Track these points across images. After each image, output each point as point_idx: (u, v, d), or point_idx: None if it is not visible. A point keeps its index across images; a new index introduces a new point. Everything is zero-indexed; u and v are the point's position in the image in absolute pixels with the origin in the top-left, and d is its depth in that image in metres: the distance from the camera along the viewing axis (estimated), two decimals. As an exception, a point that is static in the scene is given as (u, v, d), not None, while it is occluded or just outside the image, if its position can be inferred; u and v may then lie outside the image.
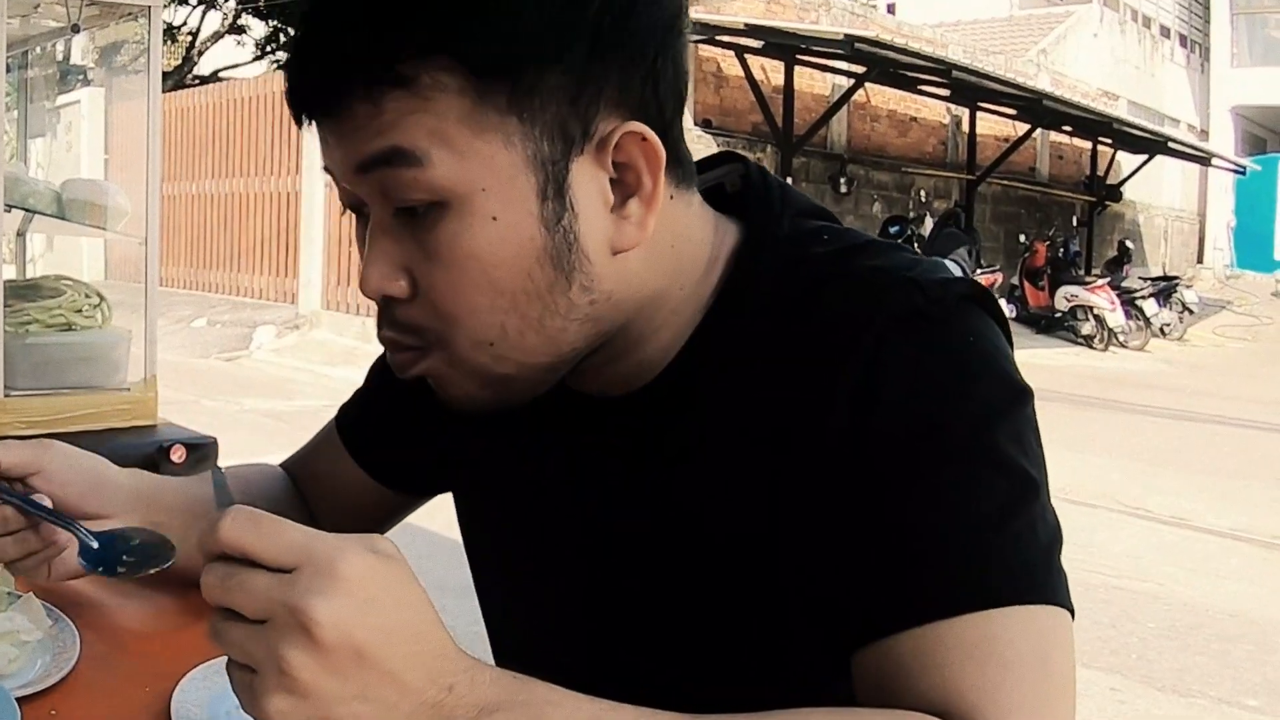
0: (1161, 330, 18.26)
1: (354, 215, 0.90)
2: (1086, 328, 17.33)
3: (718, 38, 14.09)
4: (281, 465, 1.34)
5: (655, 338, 0.94)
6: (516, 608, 1.12)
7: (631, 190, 0.86)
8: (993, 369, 0.86)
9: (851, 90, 15.33)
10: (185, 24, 22.21)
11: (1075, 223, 22.35)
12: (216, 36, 22.30)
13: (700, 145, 12.85)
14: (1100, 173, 22.65)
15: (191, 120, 16.66)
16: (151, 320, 3.15)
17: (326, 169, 0.87)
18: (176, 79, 20.26)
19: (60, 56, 15.45)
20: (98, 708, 1.03)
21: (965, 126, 19.31)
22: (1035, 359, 15.25)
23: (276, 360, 12.54)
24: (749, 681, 0.93)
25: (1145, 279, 19.01)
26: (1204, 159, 23.82)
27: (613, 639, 1.01)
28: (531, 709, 0.70)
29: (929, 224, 16.66)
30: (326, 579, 0.65)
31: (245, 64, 23.23)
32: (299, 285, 14.27)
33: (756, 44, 14.12)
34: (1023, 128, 19.08)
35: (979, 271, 15.41)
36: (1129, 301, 17.57)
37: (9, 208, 3.09)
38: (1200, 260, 29.23)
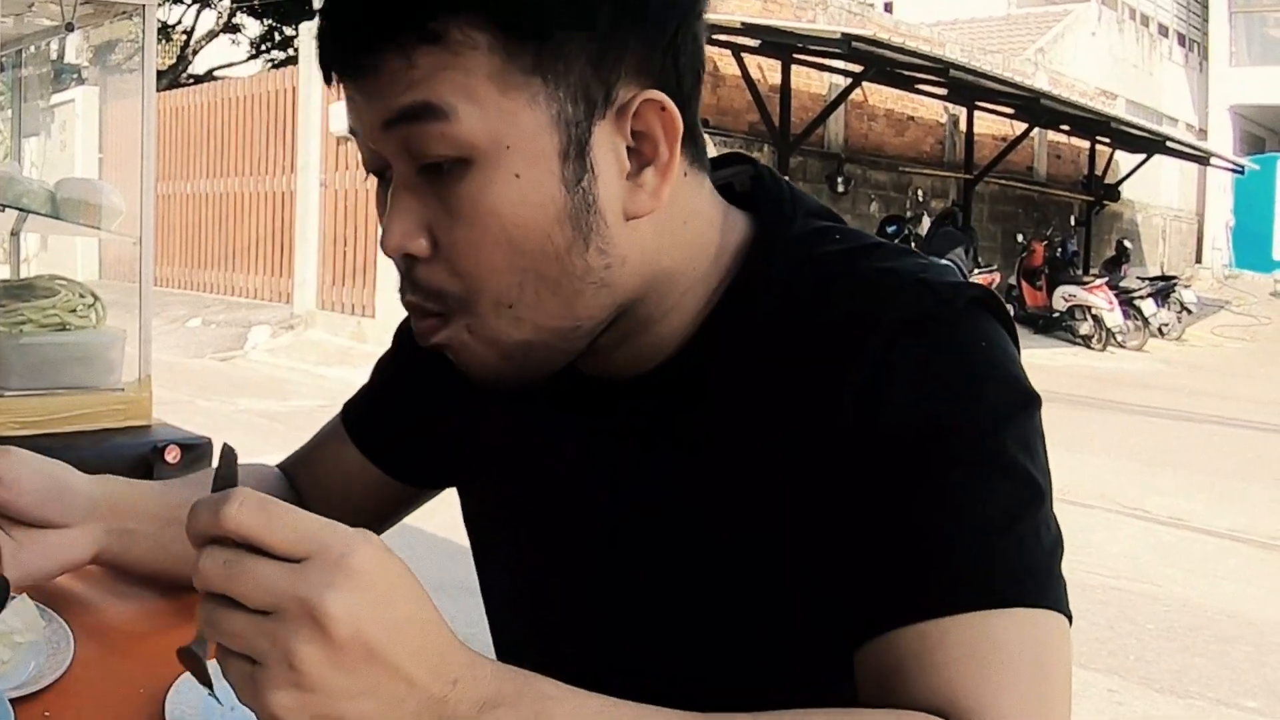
0: (1160, 330, 18.28)
1: (377, 179, 0.91)
2: (1084, 328, 17.35)
3: (714, 36, 14.00)
4: (279, 466, 1.33)
5: (666, 320, 0.95)
6: (521, 599, 1.12)
7: (648, 159, 0.88)
8: (1002, 373, 0.87)
9: (849, 89, 15.30)
10: (180, 23, 22.32)
11: (1073, 222, 22.34)
12: (211, 35, 22.40)
13: (697, 144, 12.76)
14: (1098, 172, 22.62)
15: (186, 119, 16.78)
16: (146, 320, 3.15)
17: (352, 130, 0.88)
18: (171, 78, 20.35)
19: (54, 55, 15.49)
20: (91, 709, 1.03)
21: (963, 126, 19.29)
22: (1033, 359, 15.26)
23: (271, 360, 12.60)
24: (753, 682, 0.93)
25: (1143, 279, 19.03)
26: (1202, 158, 23.82)
27: (617, 630, 1.01)
28: (533, 703, 0.69)
29: (926, 223, 16.65)
30: (341, 572, 0.64)
31: (240, 63, 23.37)
32: (294, 285, 14.34)
33: (753, 43, 14.09)
34: (1020, 127, 19.08)
35: (976, 271, 15.41)
36: (1127, 301, 17.58)
37: (3, 207, 3.11)
38: (1198, 260, 29.25)
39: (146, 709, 1.02)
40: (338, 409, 1.31)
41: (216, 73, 22.29)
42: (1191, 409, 11.90)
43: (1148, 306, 17.82)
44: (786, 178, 1.11)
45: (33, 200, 3.14)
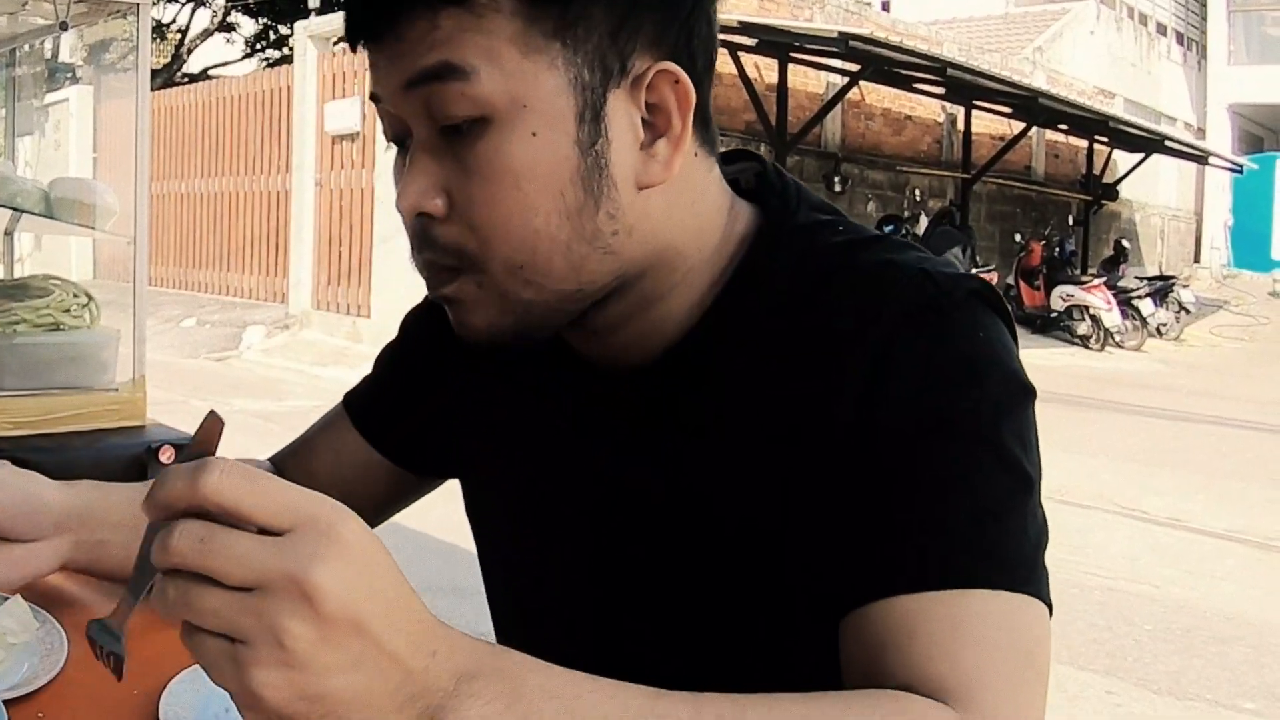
0: (1158, 330, 18.32)
1: (396, 148, 0.93)
2: (1082, 327, 17.39)
3: (712, 34, 14.04)
4: (270, 459, 1.32)
5: (669, 300, 0.97)
6: (522, 580, 1.13)
7: (661, 131, 0.91)
8: (1000, 365, 0.89)
9: (846, 88, 15.30)
10: (174, 21, 22.37)
11: (1071, 222, 22.43)
12: (206, 34, 22.48)
13: (695, 143, 12.76)
14: (1096, 171, 22.68)
15: (180, 119, 16.83)
16: (140, 320, 3.16)
17: (373, 96, 0.91)
18: (165, 77, 20.40)
19: (48, 54, 15.44)
20: (85, 710, 1.04)
21: (960, 125, 19.34)
22: (1031, 359, 15.00)
23: (266, 360, 12.64)
24: (753, 676, 0.91)
25: (1141, 278, 19.07)
26: (1201, 158, 23.84)
27: (617, 612, 1.03)
28: (510, 676, 0.68)
29: (923, 223, 16.70)
30: (328, 544, 0.62)
31: (234, 62, 23.44)
32: (289, 285, 14.37)
33: (750, 41, 14.08)
34: (1018, 126, 19.11)
35: (974, 271, 15.33)
36: (1125, 301, 17.60)
37: (-3, 207, 3.11)
38: (1197, 260, 29.34)
39: (141, 710, 1.02)
40: (326, 411, 1.31)
41: (211, 72, 22.34)
42: (1190, 409, 11.93)
43: (1146, 306, 17.84)
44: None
45: (26, 200, 3.14)
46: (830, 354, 0.89)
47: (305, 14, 16.07)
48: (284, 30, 21.75)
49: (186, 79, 21.09)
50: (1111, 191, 22.99)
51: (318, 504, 0.65)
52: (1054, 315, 17.74)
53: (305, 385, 10.96)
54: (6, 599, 1.09)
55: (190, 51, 22.43)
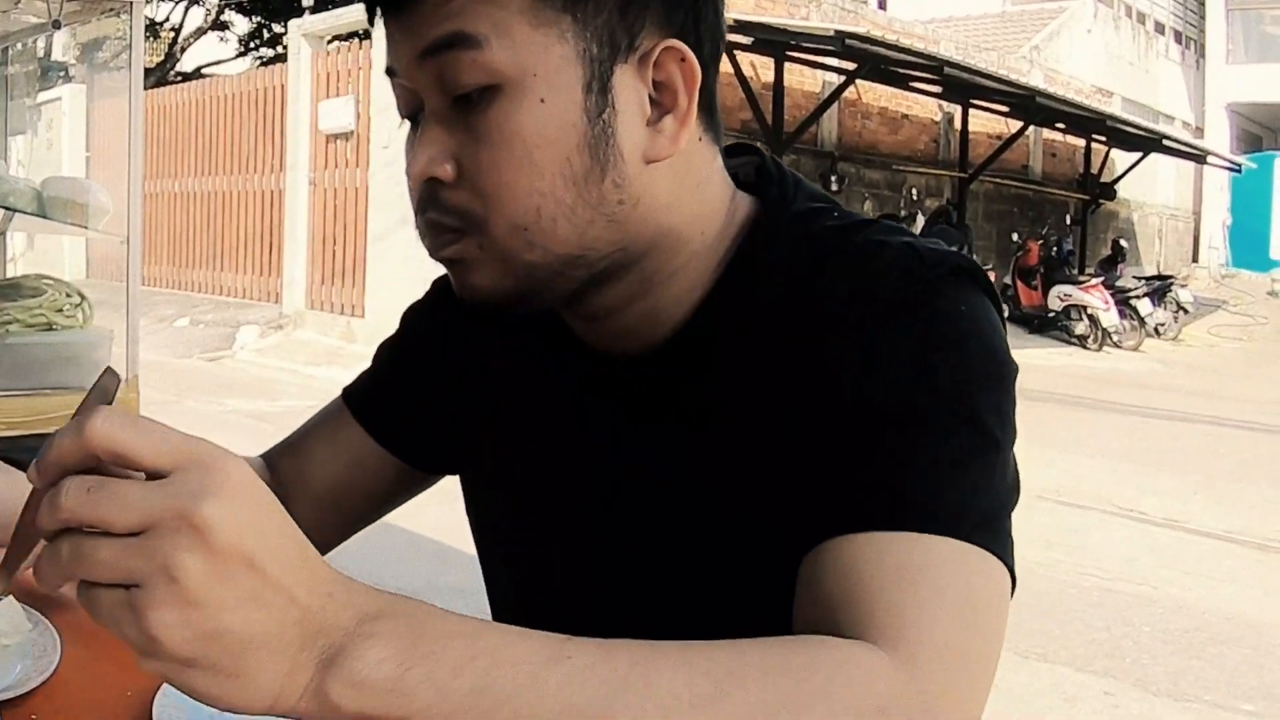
0: (1156, 330, 18.34)
1: (409, 124, 0.96)
2: (1080, 327, 17.41)
3: (707, 33, 14.04)
4: (263, 455, 1.30)
5: (671, 284, 0.99)
6: (522, 574, 1.15)
7: (668, 108, 0.93)
8: (983, 340, 0.91)
9: (842, 87, 15.35)
10: (168, 20, 22.47)
11: (1069, 221, 22.48)
12: (199, 33, 22.56)
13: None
14: (1094, 170, 22.72)
15: (174, 117, 16.93)
16: (133, 320, 3.22)
17: (388, 70, 0.94)
18: (159, 76, 20.44)
19: (41, 53, 15.54)
20: (79, 712, 1.05)
21: (957, 124, 19.39)
22: (1028, 359, 15.35)
23: (260, 360, 12.67)
24: None
25: (1139, 278, 19.10)
26: (1199, 157, 23.85)
27: (617, 605, 1.04)
28: (412, 617, 0.68)
29: (920, 222, 16.77)
30: (213, 479, 0.63)
31: (228, 60, 23.55)
32: (282, 284, 14.41)
33: (746, 40, 14.12)
34: (1015, 125, 19.17)
35: (971, 270, 15.41)
36: (1123, 301, 17.62)
37: (-11, 206, 3.15)
38: (1195, 259, 29.39)
39: (134, 711, 1.03)
40: (323, 407, 1.30)
41: (205, 70, 22.44)
42: (1188, 409, 11.93)
43: (1144, 306, 17.86)
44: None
45: (19, 199, 3.17)
46: (826, 340, 0.91)
47: (299, 12, 16.08)
48: (278, 29, 21.80)
49: (180, 78, 21.18)
50: (1109, 191, 23.01)
51: (201, 444, 0.65)
52: (1051, 315, 17.76)
53: (299, 385, 10.98)
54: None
55: (184, 50, 22.51)
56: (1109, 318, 17.17)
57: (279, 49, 21.52)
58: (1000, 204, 20.79)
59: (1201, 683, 4.50)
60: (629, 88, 0.92)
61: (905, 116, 18.85)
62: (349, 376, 1.30)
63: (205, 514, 0.61)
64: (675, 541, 0.98)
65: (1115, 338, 17.42)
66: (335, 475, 1.24)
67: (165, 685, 1.02)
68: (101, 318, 3.08)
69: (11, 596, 1.09)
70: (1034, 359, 15.32)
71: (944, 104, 19.08)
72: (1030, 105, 17.31)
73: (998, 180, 20.38)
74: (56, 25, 3.35)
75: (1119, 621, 5.15)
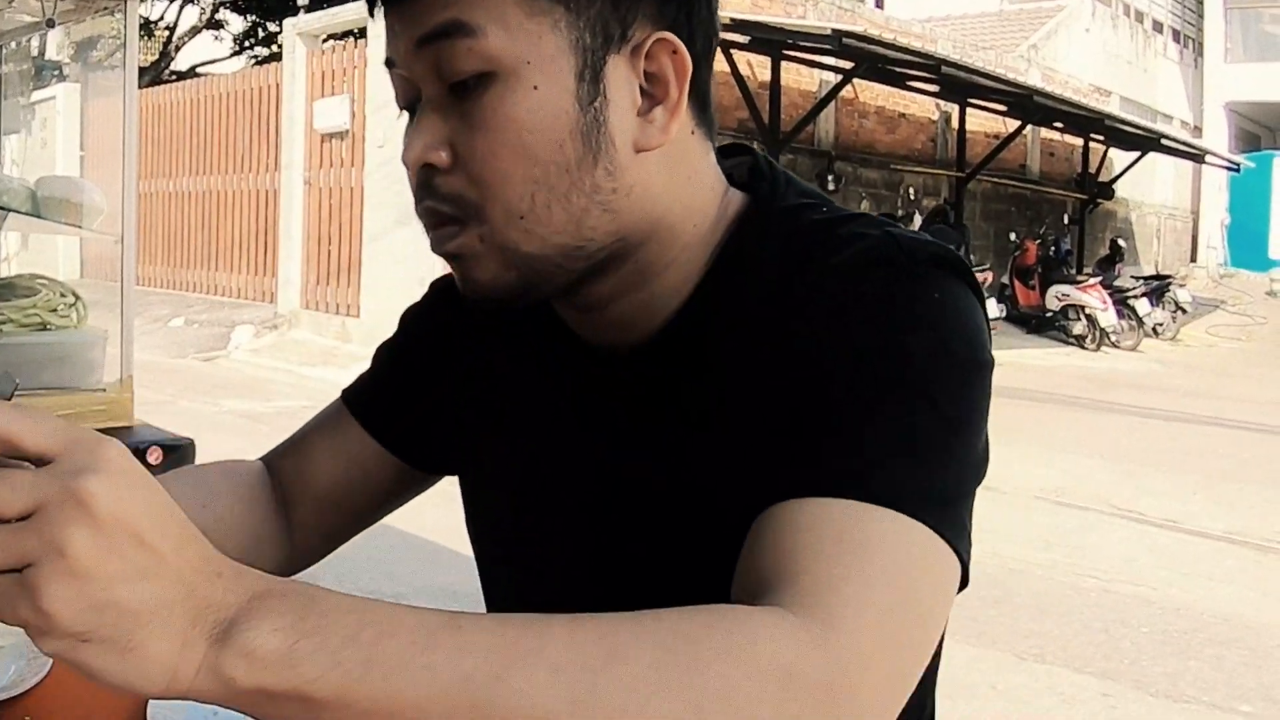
0: (1154, 330, 18.39)
1: (408, 115, 0.97)
2: (1078, 327, 17.45)
3: (704, 32, 14.03)
4: (261, 459, 1.30)
5: (665, 275, 1.00)
6: (521, 577, 1.15)
7: (659, 99, 0.95)
8: (957, 327, 0.90)
9: (839, 86, 15.31)
10: (162, 19, 22.52)
11: (1066, 221, 22.52)
12: (194, 31, 22.63)
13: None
14: (1092, 170, 22.69)
15: (168, 116, 17.01)
16: (128, 320, 3.21)
17: (388, 61, 0.97)
18: (153, 74, 20.50)
19: (35, 51, 15.53)
20: (73, 713, 1.07)
21: (955, 123, 19.40)
22: (1026, 359, 15.41)
23: (254, 360, 12.73)
24: None
25: (1138, 278, 19.16)
26: (1197, 156, 23.85)
27: (617, 605, 0.95)
28: (303, 593, 0.68)
29: (918, 222, 16.78)
30: (97, 458, 0.64)
31: (223, 59, 23.63)
32: (277, 284, 14.47)
33: (743, 39, 14.10)
34: (1013, 124, 19.18)
35: (969, 270, 15.41)
36: (1121, 301, 17.65)
37: (-17, 206, 3.15)
38: (1193, 259, 29.46)
39: (129, 711, 1.04)
40: (321, 409, 1.31)
41: (199, 69, 22.51)
42: (1186, 409, 11.96)
43: (1142, 306, 17.89)
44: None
45: (13, 198, 3.17)
46: (814, 335, 0.91)
47: (294, 11, 16.09)
48: (272, 27, 21.91)
49: (174, 76, 21.25)
50: (1107, 190, 23.00)
51: (80, 430, 0.66)
52: (1049, 315, 17.80)
53: (293, 385, 11.04)
54: None
55: (178, 49, 22.58)
56: (1107, 317, 17.20)
57: (274, 48, 21.59)
58: (998, 203, 20.83)
59: (1200, 684, 4.51)
60: (621, 78, 0.94)
61: (902, 115, 18.87)
62: (344, 377, 1.32)
63: (90, 489, 0.62)
64: (675, 542, 0.99)
65: (1113, 338, 17.45)
66: (336, 476, 1.24)
67: None
68: (96, 318, 3.10)
69: None
70: (1031, 359, 15.39)
71: (941, 103, 19.11)
72: (1028, 104, 17.31)
73: (995, 180, 20.40)
74: (51, 24, 3.34)
75: (1117, 622, 5.16)
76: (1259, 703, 4.34)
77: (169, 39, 22.35)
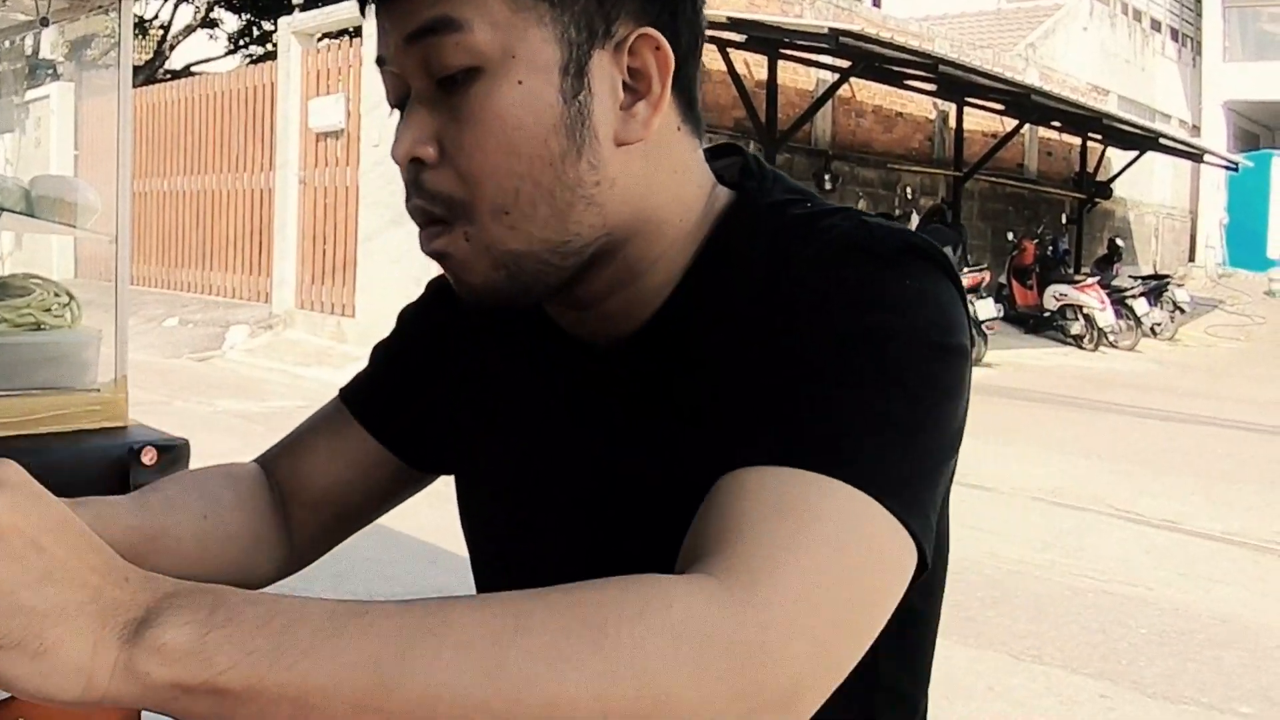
0: (1152, 330, 18.42)
1: (399, 114, 0.98)
2: (1076, 327, 17.48)
3: (700, 31, 14.05)
4: (258, 459, 1.31)
5: (653, 271, 1.02)
6: (517, 575, 1.13)
7: (641, 94, 0.96)
8: (928, 312, 0.90)
9: (836, 85, 15.27)
10: (157, 17, 22.57)
11: (1064, 220, 22.56)
12: (189, 30, 22.65)
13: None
14: (1090, 169, 22.74)
15: (163, 116, 17.04)
16: (122, 320, 3.15)
17: (378, 60, 0.99)
18: (148, 73, 20.53)
19: (29, 50, 15.46)
20: (69, 713, 0.97)
21: (952, 122, 19.45)
22: (1023, 359, 15.43)
23: (249, 360, 12.73)
24: None
25: (1136, 277, 19.21)
26: (1196, 155, 23.91)
27: None
28: (212, 592, 0.70)
29: (915, 221, 16.79)
30: None
31: (218, 58, 23.65)
32: (272, 284, 14.48)
33: (739, 38, 14.14)
34: (1011, 123, 19.25)
35: (966, 270, 15.48)
36: (1119, 300, 17.69)
37: (-23, 205, 3.15)
38: (1192, 258, 29.52)
39: (125, 711, 0.97)
40: (316, 409, 1.31)
41: (194, 68, 22.57)
42: (1185, 410, 11.97)
43: (1140, 306, 17.92)
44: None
45: (7, 198, 3.14)
46: (794, 329, 0.91)
47: (289, 10, 16.08)
48: (267, 26, 21.94)
49: (169, 75, 21.28)
50: (1105, 189, 23.03)
51: None
52: (1047, 315, 17.84)
53: (289, 385, 11.05)
54: None
55: (173, 48, 22.64)
56: (1105, 317, 17.23)
57: (269, 47, 21.62)
58: (995, 203, 20.86)
59: (1197, 685, 4.51)
60: (604, 73, 0.95)
61: (900, 115, 18.89)
62: (339, 377, 1.31)
63: None
64: (671, 538, 0.95)
65: (1111, 337, 17.49)
66: (334, 476, 1.24)
67: None
68: (90, 317, 3.06)
69: None
70: (1029, 359, 15.41)
71: (939, 102, 19.14)
72: (1025, 103, 17.35)
73: (993, 179, 20.43)
74: (44, 22, 3.27)
75: (1115, 623, 5.15)
76: (1257, 703, 4.34)
77: (163, 38, 22.38)
